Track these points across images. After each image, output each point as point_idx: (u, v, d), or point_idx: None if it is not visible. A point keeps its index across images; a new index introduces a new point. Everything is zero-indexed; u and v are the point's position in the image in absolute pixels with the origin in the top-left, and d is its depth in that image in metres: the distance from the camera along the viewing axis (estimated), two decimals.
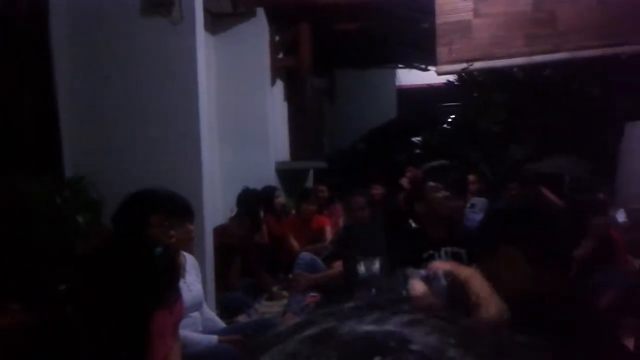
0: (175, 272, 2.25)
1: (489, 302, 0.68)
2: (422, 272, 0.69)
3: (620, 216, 4.82)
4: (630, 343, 2.25)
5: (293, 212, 6.01)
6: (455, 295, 0.68)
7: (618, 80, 6.09)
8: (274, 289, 4.98)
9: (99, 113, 3.82)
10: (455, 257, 3.17)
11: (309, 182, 7.74)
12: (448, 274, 0.69)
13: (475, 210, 4.69)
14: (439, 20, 6.10)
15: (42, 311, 2.43)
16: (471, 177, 5.61)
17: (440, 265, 0.69)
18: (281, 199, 6.01)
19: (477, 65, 6.05)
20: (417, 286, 0.67)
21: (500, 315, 0.68)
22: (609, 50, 5.64)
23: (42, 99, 3.28)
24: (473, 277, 0.69)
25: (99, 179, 3.26)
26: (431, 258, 3.29)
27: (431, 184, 3.33)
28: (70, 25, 3.76)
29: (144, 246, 1.94)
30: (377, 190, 5.87)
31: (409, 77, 9.95)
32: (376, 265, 3.45)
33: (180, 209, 2.74)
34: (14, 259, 2.63)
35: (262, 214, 5.36)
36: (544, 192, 4.96)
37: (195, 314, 3.23)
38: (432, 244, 3.28)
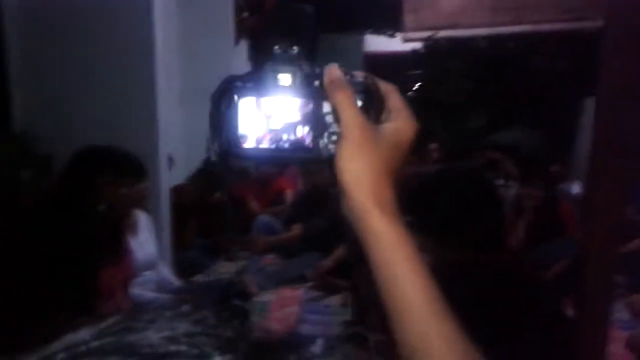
0: (119, 229, 2.23)
1: (405, 118, 0.65)
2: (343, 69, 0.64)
3: (575, 189, 4.93)
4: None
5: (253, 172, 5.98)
6: (370, 99, 0.64)
7: (582, 55, 6.18)
8: (232, 250, 5.00)
9: (52, 68, 3.70)
10: (408, 225, 3.23)
11: None
12: (367, 76, 0.65)
13: None
14: None
15: None
16: (432, 145, 5.68)
17: (359, 73, 0.65)
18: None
19: (442, 34, 6.07)
20: (334, 70, 0.63)
21: (413, 132, 0.65)
22: (571, 25, 5.71)
23: None
24: (392, 92, 0.66)
25: (50, 135, 3.19)
26: None
27: None
28: None
29: (87, 203, 1.92)
30: None
31: (376, 43, 9.88)
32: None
33: (130, 167, 2.70)
34: None
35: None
36: (505, 162, 5.03)
37: (149, 273, 3.22)
38: None
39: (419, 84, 8.02)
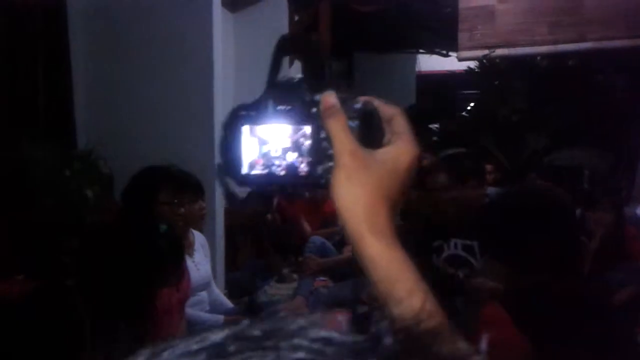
0: (180, 250, 2.22)
1: (404, 142, 0.63)
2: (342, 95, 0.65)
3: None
4: None
5: (307, 194, 5.96)
6: (369, 125, 0.64)
7: None
8: (284, 271, 4.96)
9: (114, 87, 3.80)
10: (467, 250, 3.13)
11: None
12: (367, 101, 0.65)
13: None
14: (462, 4, 5.99)
15: (45, 283, 2.42)
16: (488, 167, 5.52)
17: (362, 97, 0.65)
18: None
19: (499, 52, 5.94)
20: (329, 97, 0.63)
21: (412, 157, 0.64)
22: (636, 42, 5.49)
23: (56, 71, 3.27)
24: (396, 116, 0.66)
25: (111, 153, 3.25)
26: (440, 248, 3.25)
27: (441, 175, 3.29)
28: None
29: (149, 223, 1.92)
30: None
31: (429, 62, 9.82)
32: None
33: (190, 187, 2.71)
34: (19, 229, 2.62)
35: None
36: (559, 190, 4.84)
37: (203, 294, 3.21)
38: (441, 234, 3.24)
39: (472, 103, 7.88)
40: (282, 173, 0.66)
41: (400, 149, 0.63)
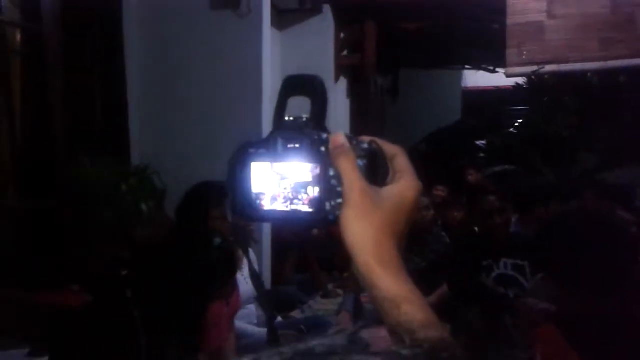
0: (232, 265, 2.27)
1: (408, 180, 0.66)
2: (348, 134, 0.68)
3: None
4: None
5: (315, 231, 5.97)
6: (376, 164, 0.67)
7: None
8: (329, 286, 4.97)
9: (167, 104, 3.91)
10: (517, 270, 3.08)
11: None
12: (372, 141, 0.68)
13: None
14: (510, 20, 5.93)
15: (101, 294, 2.50)
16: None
17: (366, 138, 0.68)
18: None
19: (549, 68, 5.85)
20: (339, 137, 0.66)
21: (416, 193, 0.66)
22: None
23: (112, 89, 3.40)
24: (399, 155, 0.68)
25: (163, 168, 3.35)
26: (490, 268, 3.21)
27: (490, 197, 3.28)
28: (141, 18, 3.87)
29: (203, 239, 1.97)
30: (440, 192, 5.79)
31: (476, 78, 9.74)
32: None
33: None
34: (78, 242, 2.72)
35: None
36: (618, 212, 4.71)
37: (251, 307, 3.26)
38: (491, 254, 3.20)
39: (520, 120, 7.77)
40: (295, 209, 0.68)
41: (404, 187, 0.66)
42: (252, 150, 0.70)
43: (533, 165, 6.33)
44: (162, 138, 3.83)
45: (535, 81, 6.18)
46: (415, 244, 4.33)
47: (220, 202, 2.59)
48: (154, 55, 3.93)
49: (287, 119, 0.71)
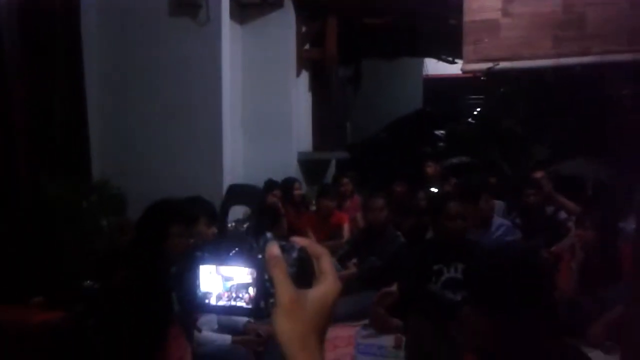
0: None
1: (330, 282, 0.78)
2: (282, 242, 0.81)
3: None
4: None
5: (314, 202, 6.06)
6: (304, 270, 0.81)
7: None
8: None
9: (125, 113, 3.93)
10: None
11: (332, 173, 7.81)
12: (302, 249, 0.81)
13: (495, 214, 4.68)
14: (467, 18, 6.06)
15: (63, 306, 2.57)
16: (492, 179, 5.60)
17: (298, 240, 0.81)
18: (301, 190, 6.07)
19: (503, 65, 6.01)
20: (273, 249, 0.78)
21: (336, 294, 0.79)
22: (637, 55, 5.55)
23: (72, 105, 3.40)
24: (323, 256, 0.80)
25: (123, 178, 3.39)
26: (440, 272, 3.35)
27: (451, 204, 3.38)
28: (100, 26, 3.87)
29: (160, 254, 2.05)
30: (400, 188, 5.91)
31: (436, 66, 9.87)
32: None
33: (203, 214, 2.82)
34: (39, 257, 2.77)
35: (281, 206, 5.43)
36: (560, 200, 4.89)
37: (211, 314, 3.33)
38: (442, 258, 3.34)
39: (478, 109, 7.95)
40: (235, 305, 0.81)
41: (326, 288, 0.78)
42: (199, 254, 0.84)
43: (490, 157, 6.52)
44: (121, 149, 3.86)
45: (491, 77, 6.34)
46: (371, 243, 4.47)
47: (178, 218, 2.65)
48: (112, 65, 3.94)
49: (230, 225, 0.89)
